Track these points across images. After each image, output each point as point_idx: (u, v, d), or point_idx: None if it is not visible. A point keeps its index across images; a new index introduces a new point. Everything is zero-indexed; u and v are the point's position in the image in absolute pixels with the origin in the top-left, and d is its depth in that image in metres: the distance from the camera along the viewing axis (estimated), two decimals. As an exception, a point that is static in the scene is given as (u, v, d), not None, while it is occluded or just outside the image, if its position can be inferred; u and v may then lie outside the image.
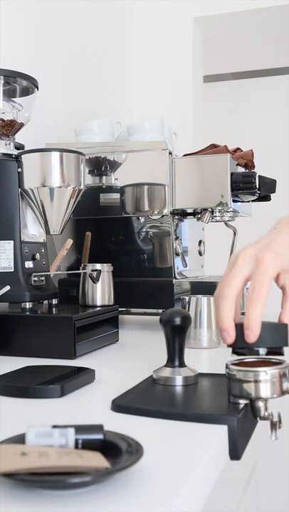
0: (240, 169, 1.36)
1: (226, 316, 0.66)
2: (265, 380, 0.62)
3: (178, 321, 0.74)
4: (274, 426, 0.63)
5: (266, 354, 0.65)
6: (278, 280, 0.69)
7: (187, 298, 1.10)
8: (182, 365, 0.75)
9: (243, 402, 0.64)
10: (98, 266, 1.17)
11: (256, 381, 0.62)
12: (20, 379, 0.79)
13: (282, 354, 0.66)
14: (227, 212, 1.36)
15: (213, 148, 1.37)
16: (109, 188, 1.37)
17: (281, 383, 0.63)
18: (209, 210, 1.31)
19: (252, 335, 0.64)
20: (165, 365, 0.75)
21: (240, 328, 0.65)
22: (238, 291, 0.67)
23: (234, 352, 0.68)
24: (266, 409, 0.63)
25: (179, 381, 0.74)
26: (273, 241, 0.69)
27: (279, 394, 0.63)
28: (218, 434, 0.59)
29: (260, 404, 0.63)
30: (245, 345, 0.65)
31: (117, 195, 1.35)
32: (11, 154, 1.08)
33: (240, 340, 0.65)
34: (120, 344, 1.13)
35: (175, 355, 0.75)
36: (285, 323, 0.68)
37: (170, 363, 0.75)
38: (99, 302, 1.16)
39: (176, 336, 0.75)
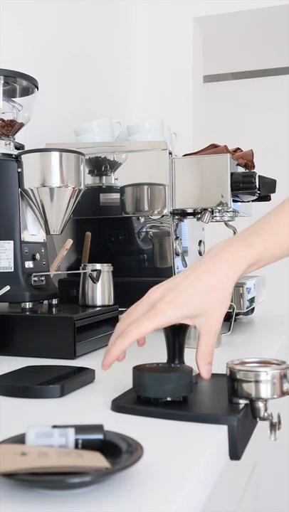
0: (240, 169, 1.36)
1: (115, 351, 0.68)
2: (265, 381, 0.62)
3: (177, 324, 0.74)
4: (273, 427, 0.63)
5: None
6: (189, 323, 0.70)
7: (187, 298, 1.10)
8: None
9: (243, 402, 0.64)
10: (98, 266, 1.17)
11: (257, 381, 0.62)
12: (20, 379, 0.79)
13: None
14: (227, 212, 1.36)
15: (213, 148, 1.37)
16: (109, 188, 1.37)
17: (281, 384, 0.63)
18: (209, 210, 1.31)
19: (105, 360, 0.68)
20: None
21: (149, 377, 0.65)
22: None
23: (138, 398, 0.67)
24: (266, 409, 0.63)
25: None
26: (182, 281, 0.69)
27: (279, 395, 0.63)
28: (218, 434, 0.59)
29: (260, 404, 0.63)
30: (150, 395, 0.64)
31: (117, 195, 1.35)
32: (11, 154, 1.08)
33: (148, 390, 0.65)
34: (120, 344, 1.13)
35: (175, 355, 0.75)
36: (188, 371, 0.67)
37: (170, 362, 0.75)
38: (99, 302, 1.16)
39: (176, 336, 0.75)
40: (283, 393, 0.63)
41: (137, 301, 1.31)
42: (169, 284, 0.71)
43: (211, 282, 0.69)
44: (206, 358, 0.69)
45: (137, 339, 0.68)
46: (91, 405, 0.71)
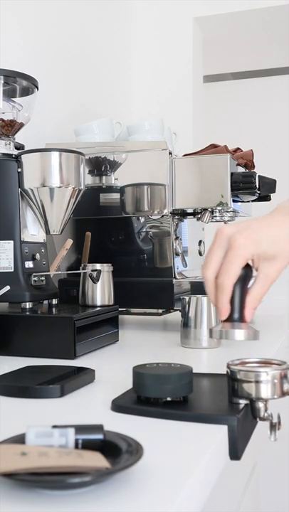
0: (240, 169, 1.36)
1: (223, 306, 0.69)
2: (265, 381, 0.62)
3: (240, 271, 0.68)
4: (273, 427, 0.62)
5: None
6: (254, 262, 0.69)
7: (187, 298, 1.10)
8: (242, 319, 0.69)
9: (243, 402, 0.64)
10: (98, 266, 1.17)
11: (257, 382, 0.62)
12: (20, 379, 0.79)
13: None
14: (227, 212, 1.36)
15: (213, 148, 1.37)
16: (109, 188, 1.37)
17: (282, 384, 0.63)
18: (209, 210, 1.31)
19: (222, 316, 0.69)
20: (223, 320, 0.69)
21: (149, 377, 0.65)
22: (216, 273, 0.69)
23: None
24: (266, 410, 0.63)
25: (239, 335, 0.67)
26: (254, 223, 0.69)
27: (279, 395, 0.63)
28: (218, 434, 0.59)
29: (260, 404, 0.63)
30: (150, 395, 0.65)
31: (117, 195, 1.35)
32: (11, 154, 1.08)
33: (148, 390, 0.65)
34: (120, 344, 1.13)
35: (235, 308, 0.68)
36: (188, 371, 0.67)
37: (229, 316, 0.68)
38: (99, 302, 1.16)
39: (237, 286, 0.68)
40: (283, 393, 0.63)
41: (136, 301, 1.32)
42: (239, 224, 0.70)
43: (282, 233, 0.69)
44: (255, 302, 0.69)
45: (233, 285, 0.68)
46: (91, 405, 0.71)
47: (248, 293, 0.69)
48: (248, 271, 0.68)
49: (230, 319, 0.68)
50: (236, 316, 0.68)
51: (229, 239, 0.68)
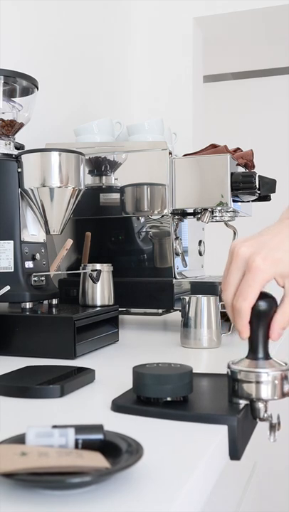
0: (240, 169, 1.36)
1: (243, 328, 0.65)
2: (266, 382, 0.62)
3: (263, 305, 0.64)
4: (273, 428, 0.62)
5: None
6: (278, 281, 0.66)
7: (187, 298, 1.10)
8: (267, 357, 0.65)
9: (243, 402, 0.64)
10: (98, 266, 1.17)
11: (257, 382, 0.62)
12: (20, 379, 0.79)
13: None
14: (227, 212, 1.36)
15: (213, 148, 1.37)
16: (109, 188, 1.37)
17: (282, 385, 0.63)
18: (209, 210, 1.31)
19: (243, 335, 0.66)
20: (246, 357, 0.66)
21: (149, 377, 0.65)
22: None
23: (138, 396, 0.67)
24: (266, 410, 0.63)
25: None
26: (273, 239, 0.66)
27: (280, 396, 0.63)
28: (218, 434, 0.59)
29: (260, 405, 0.63)
30: (150, 395, 0.65)
31: (117, 195, 1.35)
32: (11, 154, 1.08)
33: (148, 390, 0.65)
34: (120, 344, 1.13)
35: (258, 345, 0.65)
36: (188, 371, 0.66)
37: (252, 354, 0.65)
38: (99, 302, 1.16)
39: (260, 321, 0.65)
40: (284, 394, 0.63)
41: (136, 301, 1.32)
42: (255, 240, 0.66)
43: None
44: (285, 322, 0.65)
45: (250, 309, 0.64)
46: (91, 405, 0.71)
47: (276, 313, 0.65)
48: (271, 304, 0.65)
49: (253, 357, 0.65)
50: (261, 355, 0.65)
51: (246, 260, 0.64)
